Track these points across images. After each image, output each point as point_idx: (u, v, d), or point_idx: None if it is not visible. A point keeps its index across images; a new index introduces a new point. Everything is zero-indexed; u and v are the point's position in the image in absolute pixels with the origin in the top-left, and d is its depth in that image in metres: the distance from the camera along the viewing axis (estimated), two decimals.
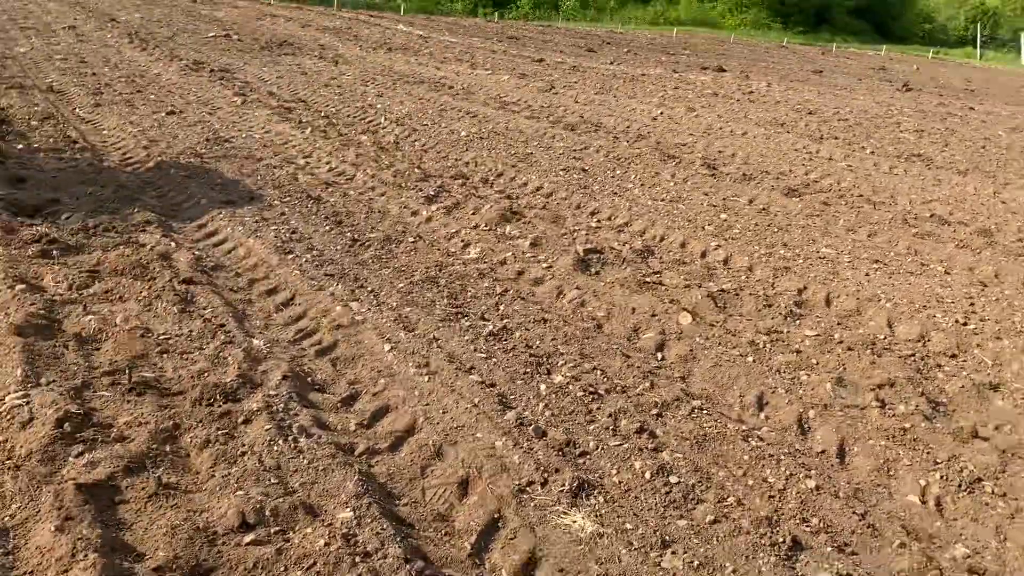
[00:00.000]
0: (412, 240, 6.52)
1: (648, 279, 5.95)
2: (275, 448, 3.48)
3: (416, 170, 8.70)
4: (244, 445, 3.52)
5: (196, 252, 5.88)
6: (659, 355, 4.87)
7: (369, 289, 5.43)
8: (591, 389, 4.28)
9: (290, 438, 3.56)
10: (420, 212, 7.30)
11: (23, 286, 4.80)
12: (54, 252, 5.49)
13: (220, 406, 3.81)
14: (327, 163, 8.92)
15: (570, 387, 4.30)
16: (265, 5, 34.73)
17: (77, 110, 10.74)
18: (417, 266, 5.95)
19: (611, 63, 23.19)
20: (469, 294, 5.52)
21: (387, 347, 4.56)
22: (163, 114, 10.75)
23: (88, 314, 4.62)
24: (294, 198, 7.37)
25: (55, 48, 16.01)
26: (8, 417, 3.53)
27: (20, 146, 8.27)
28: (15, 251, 5.39)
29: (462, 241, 6.63)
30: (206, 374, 4.09)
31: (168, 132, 9.69)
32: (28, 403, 3.60)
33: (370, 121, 11.55)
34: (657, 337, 5.04)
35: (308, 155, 9.23)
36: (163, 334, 4.50)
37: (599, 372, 4.50)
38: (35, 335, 4.19)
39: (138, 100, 11.62)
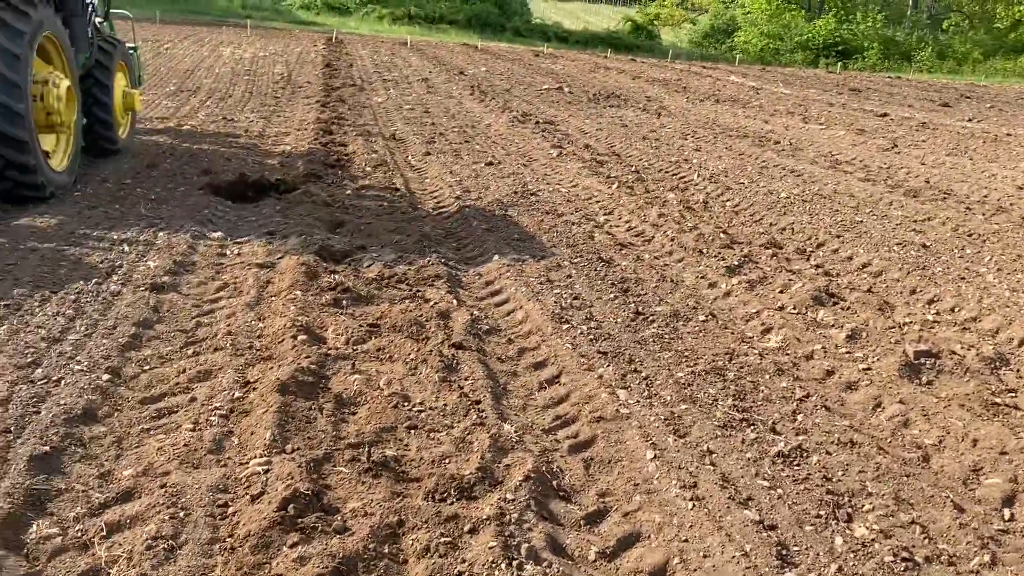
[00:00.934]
0: (703, 318, 5.77)
1: (999, 400, 4.67)
2: (495, 574, 2.95)
3: (722, 235, 7.91)
4: (464, 562, 3.04)
5: (475, 312, 5.64)
6: (1006, 513, 3.67)
7: (643, 375, 4.78)
8: (905, 553, 3.26)
9: (515, 562, 3.02)
10: (718, 284, 6.52)
11: (305, 337, 4.80)
12: (344, 302, 5.52)
13: (451, 504, 3.39)
14: (627, 222, 8.44)
15: (876, 546, 3.31)
16: (601, 58, 35.67)
17: (409, 158, 11.34)
18: (703, 351, 5.20)
19: (969, 120, 20.46)
20: (760, 395, 4.66)
21: (650, 454, 3.88)
22: (482, 164, 11.00)
23: (355, 373, 4.48)
24: (585, 259, 6.95)
25: (406, 99, 17.39)
26: (245, 485, 3.38)
27: (349, 191, 8.77)
28: (311, 297, 5.50)
29: (762, 324, 5.76)
30: (447, 460, 3.70)
31: (482, 183, 9.82)
32: (267, 472, 3.43)
33: (681, 177, 10.93)
34: (1006, 486, 3.83)
35: (609, 212, 8.83)
36: (418, 404, 4.21)
37: (919, 528, 3.45)
38: (297, 393, 4.09)
39: (464, 150, 12.05)
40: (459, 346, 4.91)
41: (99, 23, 10.05)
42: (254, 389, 4.17)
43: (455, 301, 5.69)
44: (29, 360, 4.28)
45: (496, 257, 6.85)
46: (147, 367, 4.43)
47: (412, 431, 3.93)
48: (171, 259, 6.08)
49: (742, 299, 6.22)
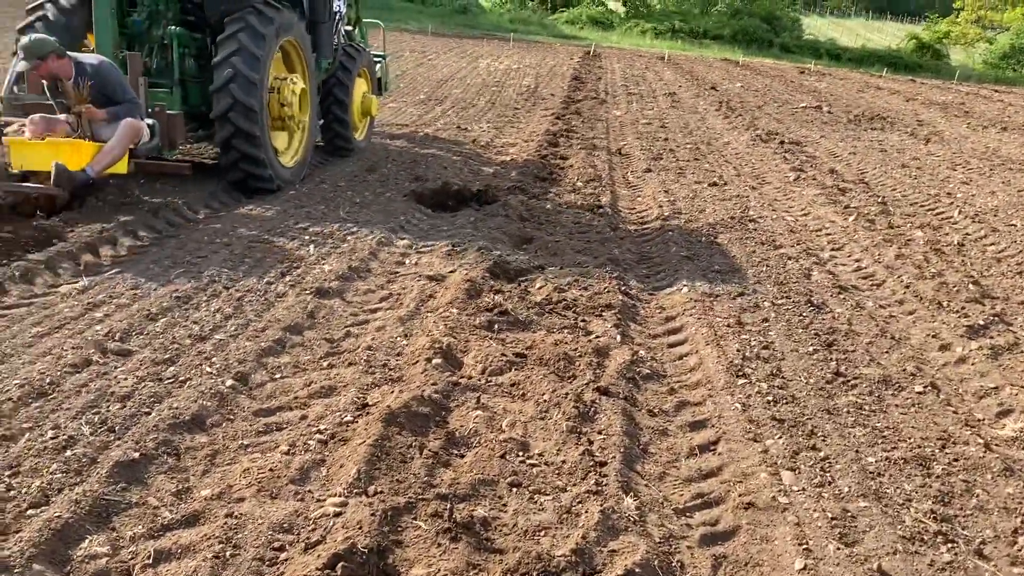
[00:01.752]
0: (920, 389, 4.69)
1: None
2: None
3: (971, 285, 6.58)
4: None
5: (640, 351, 4.98)
6: None
7: (821, 454, 3.89)
8: None
9: None
10: (952, 347, 5.35)
11: (440, 361, 4.43)
12: (498, 325, 5.10)
13: None
14: (855, 260, 7.30)
15: None
16: (875, 77, 32.78)
17: (628, 174, 10.78)
18: (909, 433, 4.17)
19: None
20: (973, 501, 3.61)
21: (799, 563, 3.06)
22: (705, 184, 10.17)
23: (478, 408, 4.03)
24: (791, 301, 6.02)
25: (646, 113, 16.79)
26: (310, 528, 3.03)
27: (549, 205, 8.38)
28: (465, 317, 5.13)
29: (999, 406, 4.58)
30: (542, 533, 3.13)
31: (697, 205, 9.04)
32: (338, 516, 3.07)
33: (938, 213, 9.42)
34: None
35: (837, 248, 7.71)
36: (533, 456, 3.67)
37: None
38: (404, 425, 3.71)
39: (690, 168, 11.27)
40: (605, 391, 4.29)
41: (347, 31, 10.54)
42: (367, 414, 3.84)
43: (619, 336, 5.06)
44: (167, 357, 4.26)
45: (685, 289, 6.12)
46: (277, 376, 4.26)
47: (514, 489, 3.40)
48: (348, 264, 5.99)
49: (979, 369, 5.03)
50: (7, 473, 3.16)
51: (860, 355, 5.14)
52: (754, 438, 3.98)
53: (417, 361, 4.43)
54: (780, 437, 4.00)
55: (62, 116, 6.50)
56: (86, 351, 4.18)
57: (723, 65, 31.47)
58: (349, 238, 6.68)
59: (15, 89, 6.92)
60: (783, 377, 4.72)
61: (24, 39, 6.31)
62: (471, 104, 16.17)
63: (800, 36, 44.91)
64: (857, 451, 3.95)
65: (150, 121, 6.82)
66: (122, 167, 6.51)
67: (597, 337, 5.05)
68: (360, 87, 10.18)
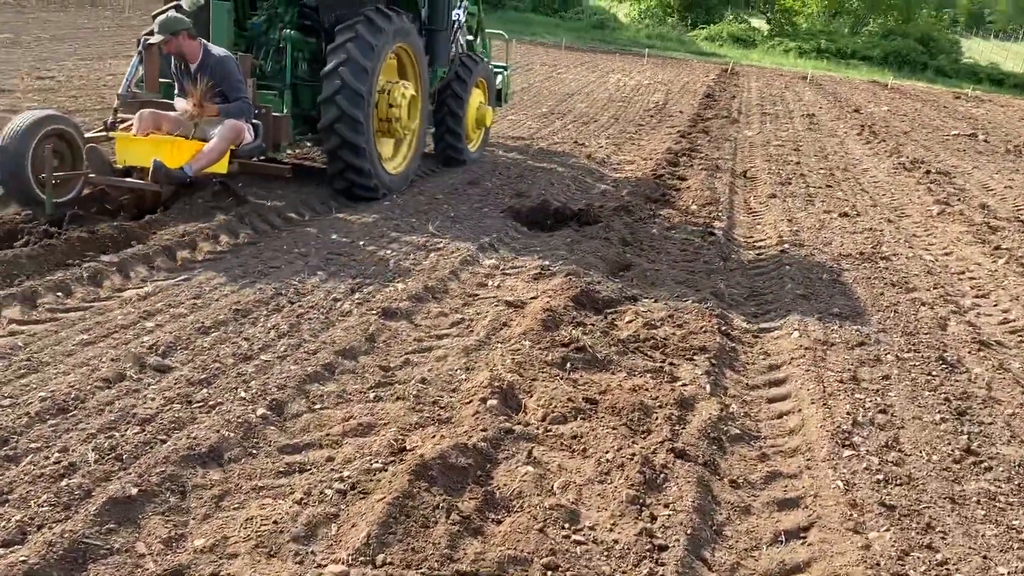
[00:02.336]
0: None
1: None
2: None
3: None
4: None
5: (734, 406, 4.33)
6: None
7: (938, 558, 3.14)
8: None
9: None
10: None
11: (497, 402, 3.94)
12: (572, 363, 4.55)
13: None
14: (1003, 311, 6.33)
15: None
16: None
17: (750, 199, 9.98)
18: None
19: None
20: None
21: None
22: (834, 215, 9.26)
23: (529, 463, 3.51)
24: (920, 356, 5.18)
25: (780, 134, 15.80)
26: None
27: (655, 229, 7.75)
28: (537, 351, 4.62)
29: None
30: None
31: (823, 237, 8.18)
32: None
33: None
34: None
35: (982, 295, 6.73)
36: (581, 530, 3.11)
37: None
38: (436, 481, 3.23)
39: (820, 196, 10.34)
40: (682, 453, 3.68)
41: (467, 40, 10.26)
42: (399, 461, 3.39)
43: (709, 386, 4.42)
44: (204, 377, 3.96)
45: (796, 334, 5.38)
46: (316, 407, 3.88)
47: (549, 573, 2.85)
48: (425, 282, 5.60)
49: None
50: None
51: (998, 430, 4.29)
52: (855, 528, 3.27)
53: (471, 400, 3.96)
54: (888, 529, 3.27)
55: (172, 113, 6.49)
56: (123, 365, 3.92)
57: (870, 87, 29.64)
58: (433, 254, 6.30)
59: (133, 88, 6.94)
60: (899, 451, 3.96)
61: (161, 15, 6.35)
62: (593, 119, 15.66)
63: (958, 59, 41.87)
64: (986, 557, 3.18)
65: (256, 122, 6.75)
66: (222, 167, 6.42)
67: (683, 385, 4.43)
68: (476, 98, 9.92)
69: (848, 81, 31.80)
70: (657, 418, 4.00)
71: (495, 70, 11.14)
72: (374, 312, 4.99)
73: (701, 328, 5.24)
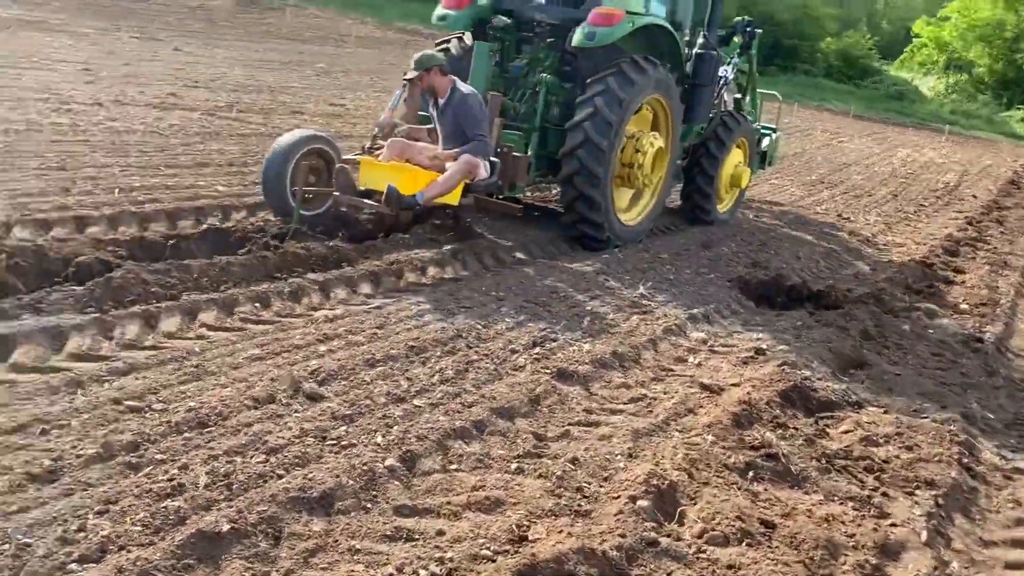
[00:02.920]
0: None
1: None
2: None
3: None
4: None
5: (955, 563, 3.39)
6: None
7: None
8: None
9: None
10: None
11: (647, 503, 3.35)
12: (755, 473, 3.83)
13: None
14: None
15: None
16: None
17: None
18: None
19: None
20: None
21: None
22: None
23: None
24: None
25: None
26: None
27: (907, 326, 6.63)
28: (718, 450, 3.95)
29: None
30: None
31: None
32: None
33: None
34: None
35: None
36: None
37: None
38: None
39: None
40: None
41: (735, 98, 10.01)
42: (508, 555, 2.94)
43: (927, 532, 3.50)
44: (349, 412, 3.77)
45: None
46: (451, 467, 3.53)
47: None
48: (615, 347, 5.12)
49: None
50: (95, 509, 2.82)
51: None
52: None
53: (620, 495, 3.41)
54: None
55: (420, 144, 6.68)
56: (278, 387, 3.84)
57: None
58: (635, 317, 5.79)
59: (392, 117, 7.23)
60: None
61: (417, 54, 6.59)
62: (867, 193, 14.25)
63: None
64: None
65: (493, 160, 6.74)
66: (453, 199, 6.47)
67: (892, 525, 3.56)
68: (734, 157, 9.38)
69: None
70: (845, 563, 3.20)
71: (762, 131, 10.63)
72: (548, 371, 4.59)
73: (935, 455, 4.26)
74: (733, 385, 4.85)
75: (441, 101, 6.59)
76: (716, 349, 5.57)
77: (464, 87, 6.66)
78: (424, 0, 42.09)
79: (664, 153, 7.79)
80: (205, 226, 5.90)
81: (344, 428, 3.62)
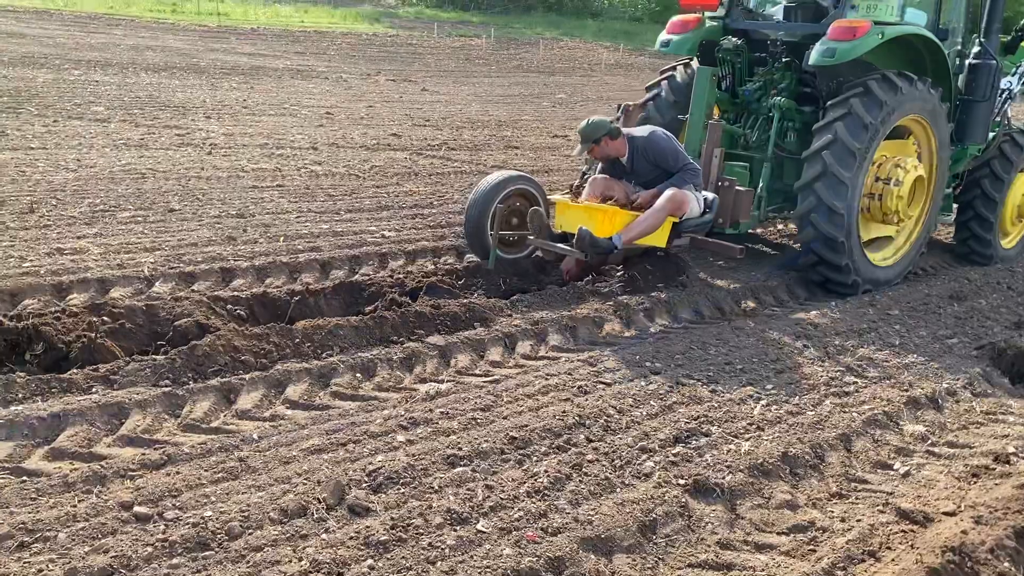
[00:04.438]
0: None
1: None
2: None
3: None
4: None
5: None
6: None
7: None
8: None
9: None
10: None
11: None
12: None
13: None
14: None
15: None
16: None
17: None
18: None
19: None
20: None
21: None
22: None
23: None
24: None
25: None
26: None
27: None
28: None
29: None
30: None
31: None
32: None
33: None
34: None
35: None
36: None
37: None
38: None
39: None
40: None
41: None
42: None
43: None
44: (388, 539, 2.96)
45: None
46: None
47: None
48: (789, 445, 3.87)
49: None
50: None
51: None
52: None
53: None
54: None
55: (624, 182, 6.12)
56: (316, 495, 3.14)
57: None
58: (830, 400, 4.46)
59: None
60: None
61: (583, 123, 5.99)
62: None
63: None
64: None
65: (709, 195, 6.05)
66: (659, 240, 5.84)
67: None
68: (1022, 184, 7.74)
69: None
70: None
71: None
72: (682, 482, 3.48)
73: None
74: (947, 514, 3.41)
75: (624, 160, 6.03)
76: (938, 451, 4.09)
77: (640, 131, 6.07)
78: None
79: (925, 183, 6.70)
80: (335, 281, 5.44)
81: (371, 561, 2.83)
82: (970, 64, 7.08)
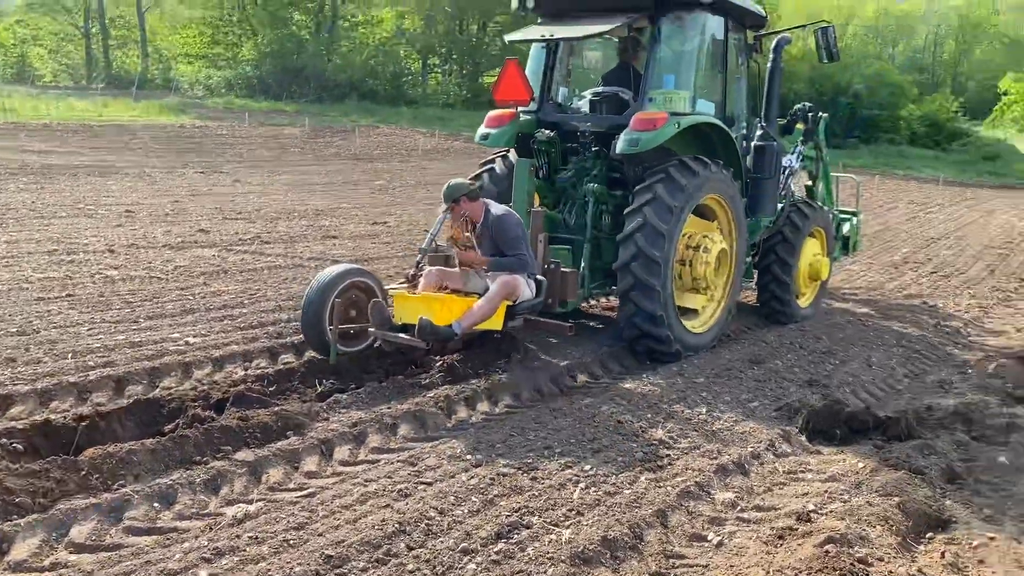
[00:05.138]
0: None
1: None
2: None
3: None
4: None
5: None
6: None
7: None
8: None
9: None
10: None
11: None
12: None
13: None
14: None
15: None
16: None
17: None
18: None
19: None
20: None
21: None
22: None
23: None
24: None
25: None
26: None
27: (1005, 456, 5.15)
28: None
29: None
30: None
31: None
32: None
33: None
34: None
35: None
36: None
37: None
38: None
39: None
40: None
41: (806, 186, 9.76)
42: None
43: None
44: None
45: None
46: None
47: None
48: (608, 527, 3.92)
49: None
50: None
51: None
52: None
53: None
54: None
55: (458, 271, 6.41)
56: None
57: None
58: (645, 476, 4.59)
59: (436, 242, 6.77)
60: None
61: (445, 185, 6.30)
62: (959, 271, 12.62)
63: None
64: None
65: (539, 278, 6.38)
66: (495, 324, 6.08)
67: None
68: (810, 248, 8.71)
69: None
70: None
71: (842, 216, 10.08)
72: None
73: None
74: None
75: (478, 226, 6.32)
76: (747, 516, 4.30)
77: (497, 208, 6.36)
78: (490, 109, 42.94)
79: (728, 254, 7.32)
80: (131, 399, 5.07)
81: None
82: (755, 146, 7.86)
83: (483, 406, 5.59)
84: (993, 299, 10.64)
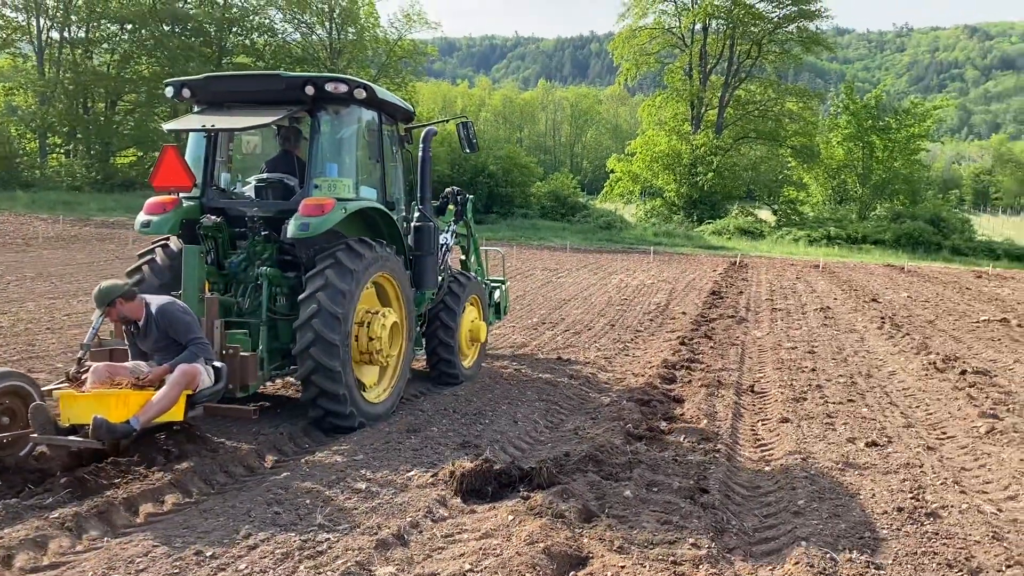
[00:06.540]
0: None
1: None
2: None
3: None
4: None
5: None
6: None
7: None
8: None
9: None
10: None
11: None
12: None
13: None
14: None
15: None
16: None
17: (758, 424, 8.20)
18: None
19: None
20: None
21: None
22: (860, 444, 7.38)
23: None
24: None
25: (792, 332, 14.18)
26: None
27: (629, 491, 5.87)
28: None
29: None
30: None
31: (850, 483, 6.26)
32: None
33: None
34: None
35: None
36: None
37: None
38: None
39: (842, 414, 8.51)
40: None
41: (461, 260, 10.60)
42: None
43: None
44: None
45: None
46: None
47: None
48: None
49: None
50: None
51: None
52: None
53: None
54: None
55: (128, 364, 6.14)
56: None
57: (885, 272, 28.31)
58: (305, 565, 4.49)
59: (98, 337, 6.38)
60: None
61: (95, 288, 6.06)
62: (587, 327, 14.20)
63: (972, 237, 40.80)
64: None
65: (218, 364, 6.29)
66: (176, 414, 5.95)
67: None
68: (469, 315, 9.56)
69: (863, 267, 30.59)
70: None
71: (492, 284, 11.06)
72: None
73: None
74: None
75: (141, 323, 6.16)
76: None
77: (158, 300, 6.26)
78: (124, 191, 39.78)
79: (400, 327, 7.78)
80: None
81: None
82: (415, 227, 8.53)
83: (120, 518, 5.07)
84: (614, 349, 12.13)
